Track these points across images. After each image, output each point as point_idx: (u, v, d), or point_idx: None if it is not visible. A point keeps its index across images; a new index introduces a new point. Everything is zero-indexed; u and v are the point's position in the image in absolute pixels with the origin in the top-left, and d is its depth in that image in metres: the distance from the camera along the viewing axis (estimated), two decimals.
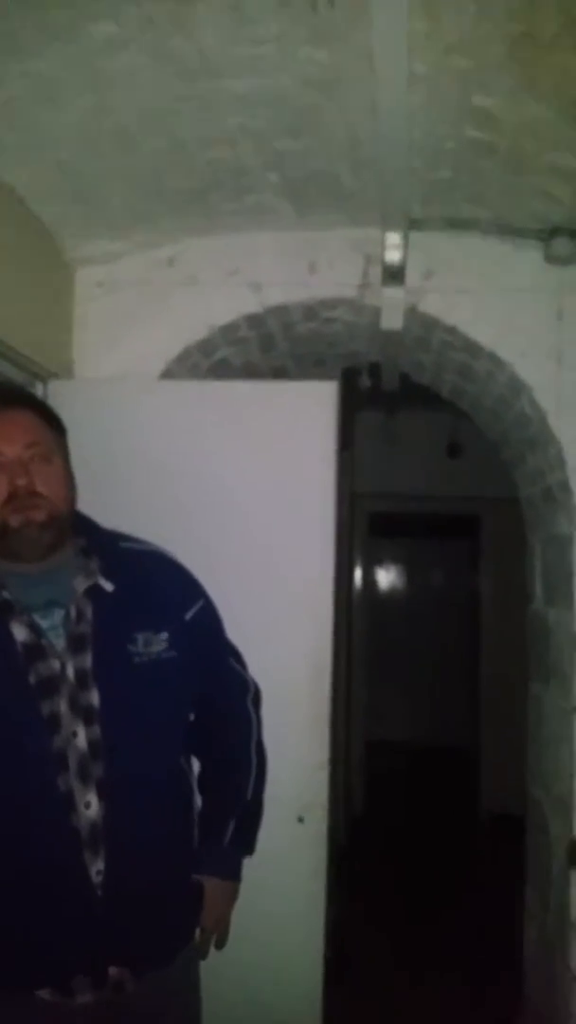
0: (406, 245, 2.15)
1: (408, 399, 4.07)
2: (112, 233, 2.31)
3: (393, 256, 2.15)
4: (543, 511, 2.61)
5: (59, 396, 2.14)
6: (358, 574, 5.97)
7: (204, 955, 1.62)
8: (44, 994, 1.37)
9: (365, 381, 3.16)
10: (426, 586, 8.92)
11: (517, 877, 2.81)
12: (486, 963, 3.41)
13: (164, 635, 1.51)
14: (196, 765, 1.65)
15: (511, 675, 4.48)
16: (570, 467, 2.26)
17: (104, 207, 2.18)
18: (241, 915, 1.67)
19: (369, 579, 6.96)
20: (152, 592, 1.56)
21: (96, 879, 1.37)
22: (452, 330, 2.36)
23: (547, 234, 2.18)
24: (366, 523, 5.98)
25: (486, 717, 5.79)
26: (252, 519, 2.18)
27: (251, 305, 2.40)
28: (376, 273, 2.28)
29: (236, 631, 1.74)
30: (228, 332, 2.45)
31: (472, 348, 2.39)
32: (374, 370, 3.07)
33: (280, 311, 2.45)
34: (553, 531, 2.47)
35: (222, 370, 2.63)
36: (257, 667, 1.76)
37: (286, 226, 2.34)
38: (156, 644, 1.49)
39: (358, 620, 5.74)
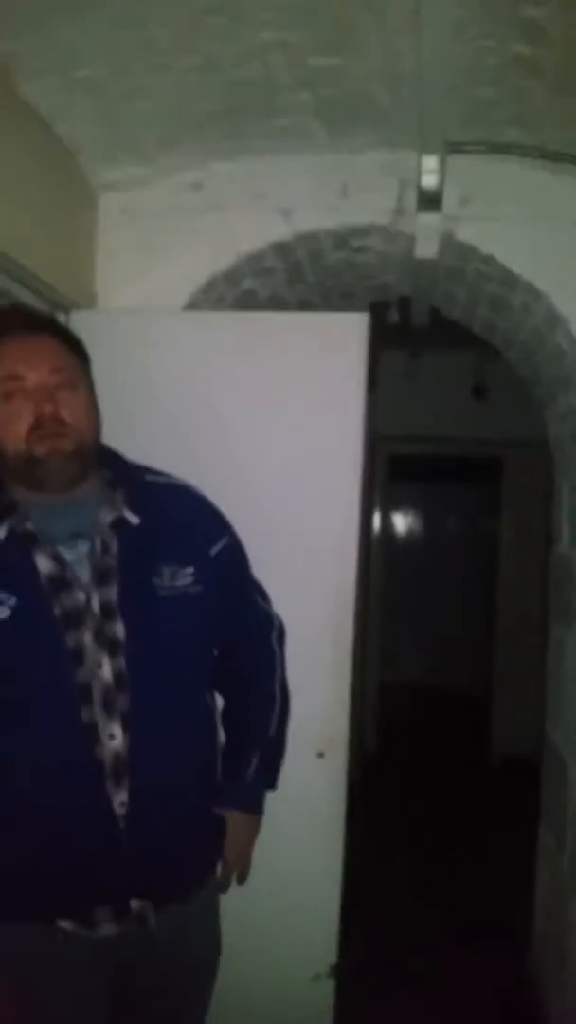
0: (443, 170, 2.06)
1: (434, 339, 3.98)
2: (137, 157, 2.23)
3: (429, 181, 2.06)
4: (572, 452, 2.55)
5: (82, 327, 2.05)
6: (377, 518, 5.93)
7: (225, 889, 1.63)
8: (66, 925, 1.38)
9: (394, 315, 3.07)
10: (445, 531, 8.89)
11: (528, 820, 2.82)
12: (497, 903, 3.45)
13: (190, 569, 1.48)
14: (220, 701, 1.64)
15: (527, 621, 4.48)
16: None
17: (129, 129, 2.10)
18: (260, 850, 1.68)
19: (388, 523, 6.93)
20: (178, 526, 1.53)
21: (119, 811, 1.36)
22: (488, 259, 2.28)
23: None
24: (387, 466, 5.91)
25: (500, 663, 5.80)
26: (278, 455, 2.14)
27: (280, 232, 2.32)
28: (411, 199, 2.19)
29: (260, 568, 1.72)
30: (255, 261, 2.38)
31: (508, 279, 2.31)
32: (403, 305, 2.98)
33: (309, 238, 2.37)
34: None
35: (248, 302, 2.55)
36: (281, 605, 1.75)
37: (317, 149, 2.24)
38: (182, 578, 1.47)
39: (376, 564, 5.73)
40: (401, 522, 8.99)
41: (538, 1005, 2.60)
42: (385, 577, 6.13)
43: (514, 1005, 2.75)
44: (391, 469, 6.01)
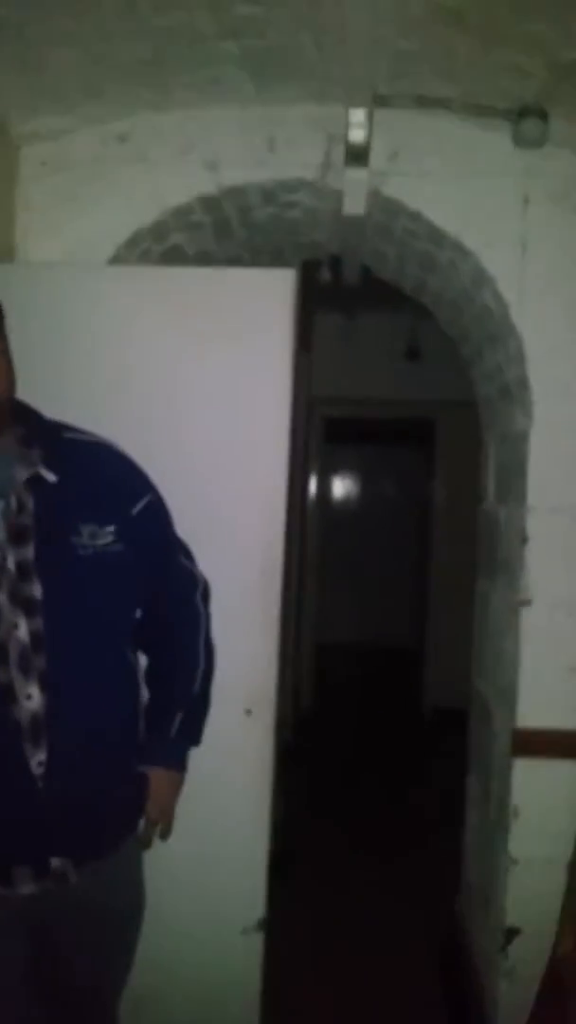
0: (371, 124, 2.03)
1: (368, 301, 3.97)
2: (59, 107, 2.16)
3: (357, 135, 2.04)
4: (499, 409, 2.58)
5: None
6: (313, 481, 5.95)
7: (147, 845, 1.63)
8: None
9: (325, 274, 3.04)
10: (381, 493, 8.99)
11: (459, 768, 2.90)
12: (430, 852, 3.54)
13: (110, 528, 1.46)
14: (143, 659, 1.63)
15: (458, 578, 4.55)
16: (529, 360, 2.22)
17: (51, 76, 2.02)
18: (187, 806, 1.68)
19: (324, 486, 6.96)
20: (98, 484, 1.51)
21: (37, 771, 1.35)
22: (416, 216, 2.27)
23: (516, 115, 2.08)
24: (322, 429, 5.92)
25: (432, 618, 5.92)
26: (204, 413, 2.11)
27: (206, 185, 2.27)
28: (339, 154, 2.16)
29: (186, 529, 1.70)
30: (181, 215, 2.33)
31: (436, 236, 2.30)
32: (334, 264, 2.96)
33: (237, 193, 2.33)
34: (509, 428, 2.45)
35: (175, 258, 2.50)
36: (208, 564, 1.74)
37: (244, 101, 2.20)
38: (102, 537, 1.45)
39: (312, 526, 5.76)
40: (338, 485, 9.05)
41: (466, 949, 2.68)
42: (322, 539, 6.18)
43: (445, 951, 2.83)
44: (327, 432, 6.03)
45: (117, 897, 1.53)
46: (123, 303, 2.12)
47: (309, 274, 3.13)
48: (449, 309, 2.72)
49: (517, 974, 2.21)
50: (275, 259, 2.85)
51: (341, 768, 4.91)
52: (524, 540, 2.22)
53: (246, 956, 2.10)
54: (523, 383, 2.25)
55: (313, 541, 5.78)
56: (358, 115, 2.03)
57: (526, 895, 2.22)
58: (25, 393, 1.50)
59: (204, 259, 2.62)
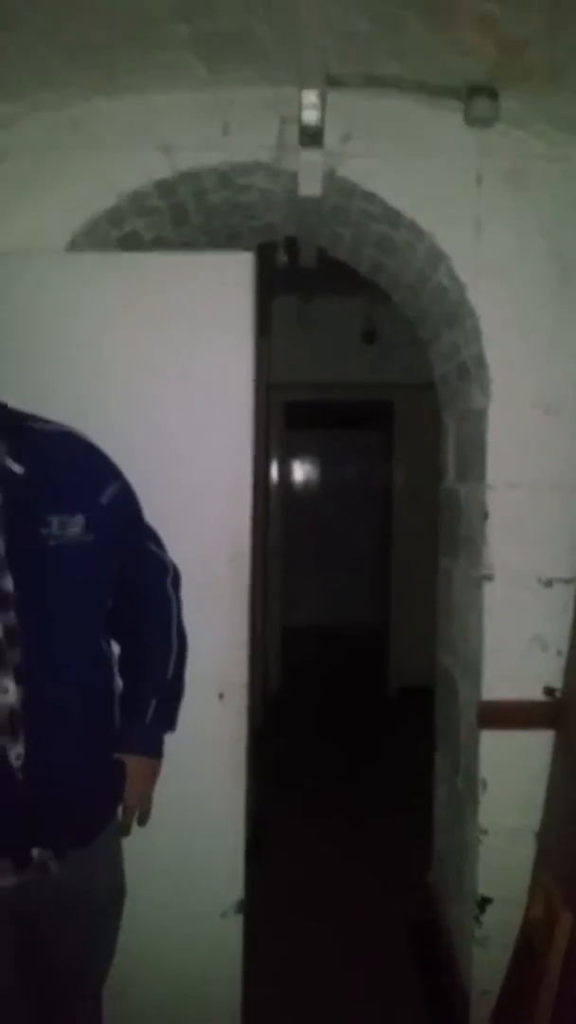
0: (323, 105, 2.03)
1: (324, 283, 3.96)
2: (8, 93, 2.13)
3: (310, 116, 2.03)
4: (457, 388, 2.61)
5: None
6: (274, 466, 5.95)
7: (126, 832, 1.64)
8: None
9: (282, 257, 3.03)
10: (341, 477, 9.04)
11: (426, 745, 2.94)
12: (398, 827, 3.59)
13: (79, 518, 1.46)
14: (116, 648, 1.63)
15: (420, 559, 4.63)
16: (485, 339, 2.25)
17: None
18: (164, 792, 1.69)
19: (285, 471, 6.97)
20: (65, 474, 1.50)
21: (16, 763, 1.35)
22: (371, 197, 2.27)
23: (467, 93, 2.09)
24: (282, 414, 5.92)
25: (395, 599, 5.98)
26: (166, 400, 2.11)
27: (161, 169, 2.25)
28: (293, 135, 2.16)
29: (152, 514, 1.71)
30: (137, 200, 2.31)
31: (391, 217, 2.31)
32: (291, 246, 2.95)
33: (192, 177, 2.31)
34: (467, 407, 2.48)
35: (133, 244, 2.48)
36: (177, 549, 1.74)
37: (197, 84, 2.18)
38: (71, 527, 1.45)
39: (275, 511, 5.77)
40: (299, 470, 9.07)
41: (439, 919, 2.73)
42: (284, 524, 6.20)
43: (418, 922, 2.88)
44: (286, 417, 6.03)
45: (98, 884, 1.54)
46: (77, 291, 2.11)
47: (265, 258, 3.12)
48: (406, 290, 2.73)
49: (490, 941, 2.26)
50: (231, 243, 2.84)
51: (310, 749, 4.95)
52: (485, 516, 2.26)
53: (226, 938, 2.12)
54: (480, 361, 2.28)
55: (276, 526, 5.80)
56: (311, 96, 2.02)
57: (497, 865, 2.27)
58: None
59: (161, 244, 2.60)
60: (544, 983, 1.96)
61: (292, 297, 4.90)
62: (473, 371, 2.37)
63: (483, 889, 2.28)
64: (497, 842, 2.27)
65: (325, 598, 8.39)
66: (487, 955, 2.27)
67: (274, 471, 5.96)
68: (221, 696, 2.08)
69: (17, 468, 1.42)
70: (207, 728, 2.02)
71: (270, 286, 3.49)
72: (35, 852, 1.39)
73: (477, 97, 2.08)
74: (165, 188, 2.33)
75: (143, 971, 2.02)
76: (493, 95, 2.08)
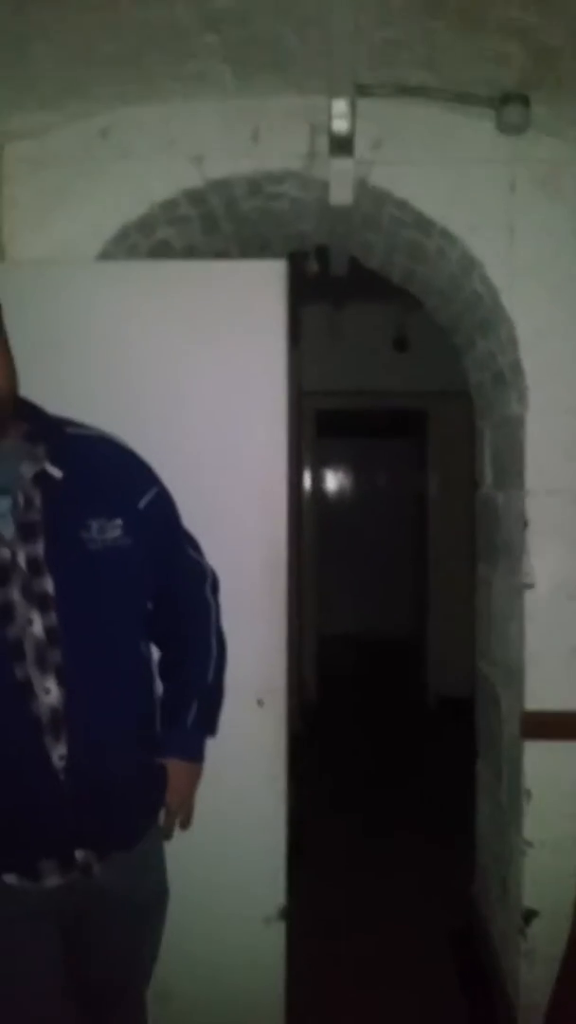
0: (354, 114, 2.04)
1: (355, 291, 3.97)
2: (40, 103, 2.15)
3: (340, 125, 2.04)
4: (493, 395, 2.59)
5: None
6: (307, 474, 5.95)
7: (169, 836, 1.64)
8: (11, 879, 1.38)
9: (313, 265, 3.04)
10: (374, 485, 9.01)
11: (466, 756, 2.91)
12: (440, 838, 3.56)
13: (118, 522, 1.47)
14: (156, 652, 1.64)
15: (456, 568, 4.61)
16: (522, 346, 2.23)
17: (31, 73, 2.01)
18: (205, 797, 1.69)
19: (318, 479, 6.97)
20: (104, 479, 1.51)
21: (59, 764, 1.36)
22: (403, 204, 2.28)
23: (499, 101, 2.08)
24: (314, 422, 5.93)
25: (432, 608, 5.94)
26: (200, 407, 2.12)
27: (192, 178, 2.27)
28: (323, 144, 2.17)
29: (189, 521, 1.71)
30: (168, 209, 2.33)
31: (423, 224, 2.31)
32: (322, 254, 2.96)
33: (222, 185, 2.33)
34: (504, 413, 2.46)
35: (163, 252, 2.50)
36: (214, 557, 1.74)
37: (227, 94, 2.20)
38: (110, 531, 1.46)
39: (308, 520, 5.77)
40: (332, 478, 9.07)
41: (483, 932, 2.70)
42: (318, 533, 6.19)
43: (461, 935, 2.85)
44: (318, 425, 6.03)
45: (141, 887, 1.54)
46: (113, 299, 2.13)
47: (296, 265, 3.13)
48: (438, 297, 2.72)
49: (537, 955, 2.23)
50: (262, 251, 2.85)
51: (350, 757, 4.92)
52: (525, 524, 2.24)
53: (270, 945, 2.11)
54: (517, 368, 2.26)
55: (309, 534, 5.80)
56: (340, 105, 2.04)
57: (542, 877, 2.24)
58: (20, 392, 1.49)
59: (192, 253, 2.62)
60: None
61: (323, 305, 4.91)
62: (510, 378, 2.35)
63: (528, 901, 2.25)
64: (543, 854, 2.23)
65: (360, 607, 8.36)
66: (533, 969, 2.23)
67: (307, 479, 5.96)
68: (260, 702, 2.07)
69: (56, 472, 1.43)
70: (247, 734, 2.02)
71: (300, 294, 3.51)
72: (79, 854, 1.40)
73: (509, 104, 2.07)
74: (195, 197, 2.35)
75: (186, 976, 2.02)
76: (525, 102, 2.07)
